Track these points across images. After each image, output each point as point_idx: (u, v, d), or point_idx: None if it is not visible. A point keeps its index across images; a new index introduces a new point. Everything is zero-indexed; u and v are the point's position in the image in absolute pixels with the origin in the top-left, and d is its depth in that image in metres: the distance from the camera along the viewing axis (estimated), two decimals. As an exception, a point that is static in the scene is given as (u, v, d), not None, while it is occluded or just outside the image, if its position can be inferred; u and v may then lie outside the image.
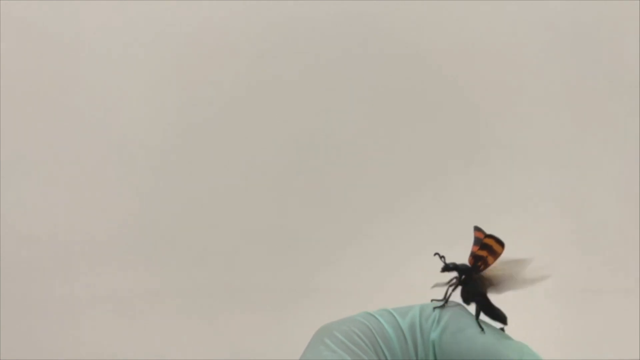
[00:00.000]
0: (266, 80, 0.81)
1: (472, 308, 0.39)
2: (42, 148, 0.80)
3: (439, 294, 0.40)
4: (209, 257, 0.81)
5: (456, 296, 0.40)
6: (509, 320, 0.39)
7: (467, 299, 0.39)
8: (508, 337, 0.37)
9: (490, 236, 0.38)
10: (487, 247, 0.38)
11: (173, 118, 0.81)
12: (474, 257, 0.39)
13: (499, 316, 0.39)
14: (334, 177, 0.82)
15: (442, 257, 0.39)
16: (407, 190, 0.82)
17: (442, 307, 0.39)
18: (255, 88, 0.81)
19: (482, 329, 0.37)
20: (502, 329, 0.38)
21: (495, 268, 0.39)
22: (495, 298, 0.40)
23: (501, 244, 0.38)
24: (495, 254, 0.38)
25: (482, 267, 0.39)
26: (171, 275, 0.81)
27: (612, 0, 0.82)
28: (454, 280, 0.39)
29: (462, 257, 0.40)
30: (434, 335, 0.37)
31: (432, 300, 0.40)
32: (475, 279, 0.39)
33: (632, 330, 0.81)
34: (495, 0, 0.82)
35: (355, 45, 0.82)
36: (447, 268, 0.39)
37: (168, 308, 0.81)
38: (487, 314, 0.39)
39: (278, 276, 0.82)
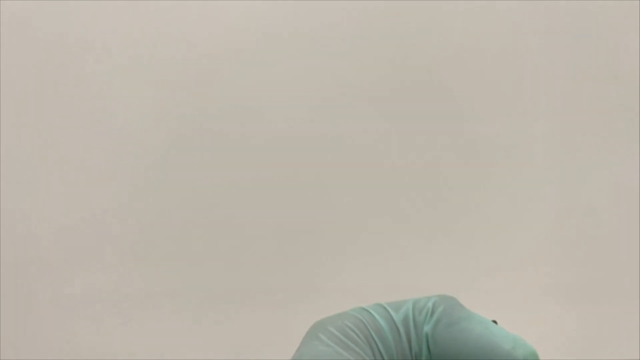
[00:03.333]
0: (265, 81, 0.82)
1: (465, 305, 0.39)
2: (43, 149, 0.81)
3: None
4: (208, 258, 0.81)
5: (449, 288, 0.40)
6: (507, 320, 0.39)
7: None
8: (501, 329, 0.37)
9: None
10: None
11: (173, 118, 0.81)
12: None
13: None
14: (334, 179, 0.82)
15: None
16: (405, 194, 0.82)
17: None
18: (255, 88, 0.82)
19: None
20: (495, 322, 0.39)
21: None
22: (499, 309, 0.39)
23: None
24: None
25: None
26: (171, 276, 0.81)
27: (612, 0, 0.82)
28: None
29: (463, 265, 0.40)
30: (427, 328, 0.37)
31: None
32: None
33: (632, 330, 0.81)
34: (494, 0, 0.82)
35: (354, 46, 0.82)
36: None
37: (168, 308, 0.81)
38: None
39: (278, 277, 0.82)
